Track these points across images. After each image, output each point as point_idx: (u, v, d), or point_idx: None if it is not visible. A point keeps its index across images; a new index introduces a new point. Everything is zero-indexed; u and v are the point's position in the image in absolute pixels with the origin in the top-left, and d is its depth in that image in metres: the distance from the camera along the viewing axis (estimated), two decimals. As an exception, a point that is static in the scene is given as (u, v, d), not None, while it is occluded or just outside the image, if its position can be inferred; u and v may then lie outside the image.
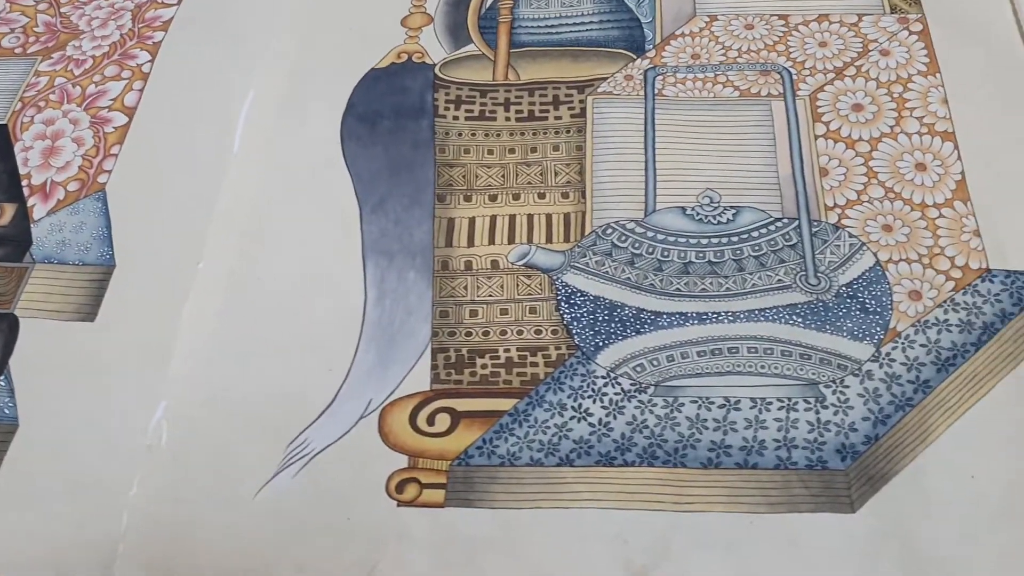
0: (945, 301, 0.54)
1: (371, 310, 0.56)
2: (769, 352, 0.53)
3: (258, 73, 0.67)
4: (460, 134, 0.63)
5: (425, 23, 0.70)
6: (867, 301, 0.54)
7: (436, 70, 0.67)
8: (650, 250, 0.57)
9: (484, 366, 0.54)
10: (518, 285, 0.57)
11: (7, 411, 0.54)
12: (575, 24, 0.69)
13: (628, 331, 0.54)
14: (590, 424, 0.51)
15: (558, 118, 0.64)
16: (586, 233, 0.58)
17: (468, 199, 0.61)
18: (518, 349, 0.54)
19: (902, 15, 0.67)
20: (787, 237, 0.57)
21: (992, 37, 0.65)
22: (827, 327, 0.53)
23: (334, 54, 0.68)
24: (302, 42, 0.69)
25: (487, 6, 0.71)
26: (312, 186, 0.62)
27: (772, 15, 0.68)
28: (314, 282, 0.57)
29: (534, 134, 0.63)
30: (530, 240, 0.58)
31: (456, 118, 0.64)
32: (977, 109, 0.62)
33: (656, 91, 0.64)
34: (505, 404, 0.52)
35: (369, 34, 0.69)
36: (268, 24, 0.70)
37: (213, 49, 0.69)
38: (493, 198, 0.61)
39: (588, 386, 0.52)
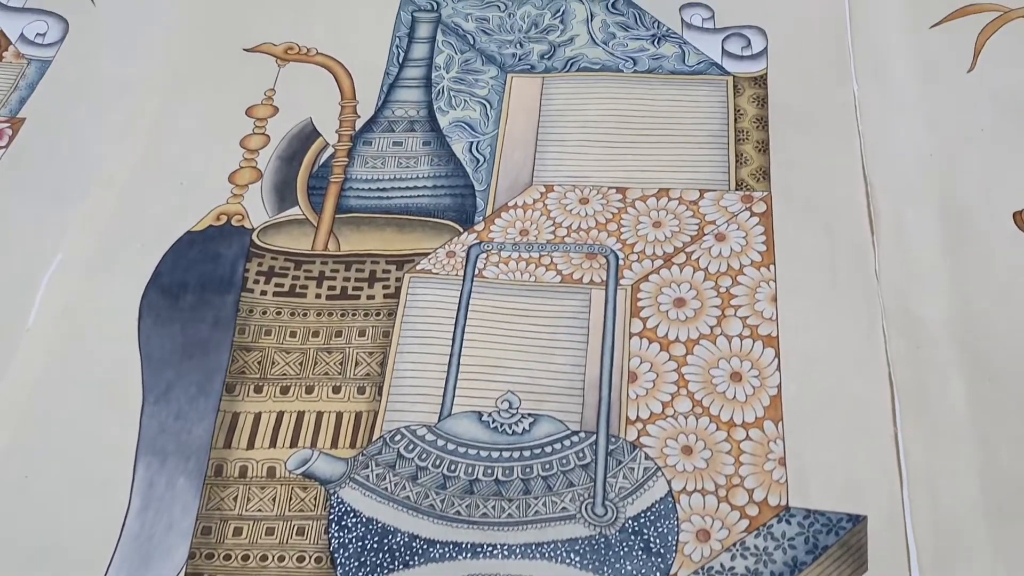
0: (735, 544, 0.50)
1: (132, 522, 0.52)
2: (538, 597, 0.49)
3: (69, 233, 0.64)
4: (265, 312, 0.60)
5: (253, 179, 0.67)
6: (652, 539, 0.50)
7: (254, 235, 0.64)
8: (437, 463, 0.53)
9: (237, 597, 0.50)
10: (291, 498, 0.53)
11: None
12: (408, 188, 0.66)
13: (395, 563, 0.50)
14: (336, 674, 0.47)
15: (371, 297, 0.60)
16: (374, 438, 0.55)
17: (259, 390, 0.57)
18: (277, 578, 0.51)
19: (747, 192, 0.64)
20: (581, 455, 0.53)
21: (839, 224, 0.62)
22: (605, 568, 0.49)
23: (152, 212, 0.65)
24: (121, 196, 0.66)
25: (321, 163, 0.67)
26: (100, 368, 0.58)
27: (611, 187, 0.65)
28: (81, 483, 0.54)
29: (342, 315, 0.60)
30: (315, 443, 0.55)
31: (264, 293, 0.61)
32: (808, 311, 0.58)
33: (476, 271, 0.61)
34: (250, 645, 0.49)
35: (194, 190, 0.66)
36: (88, 175, 0.67)
37: (30, 203, 0.66)
38: (285, 390, 0.57)
39: (342, 627, 0.49)
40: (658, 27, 0.73)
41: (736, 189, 0.64)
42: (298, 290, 0.61)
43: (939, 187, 0.63)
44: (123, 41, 0.75)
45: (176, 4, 0.77)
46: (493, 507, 0.52)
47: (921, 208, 0.62)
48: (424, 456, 0.53)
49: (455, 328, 0.58)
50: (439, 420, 0.55)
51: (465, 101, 0.70)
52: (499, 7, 0.75)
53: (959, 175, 0.63)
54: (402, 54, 0.72)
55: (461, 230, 0.63)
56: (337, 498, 0.52)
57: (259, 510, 0.53)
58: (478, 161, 0.67)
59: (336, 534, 0.51)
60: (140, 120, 0.70)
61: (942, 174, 0.63)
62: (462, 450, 0.54)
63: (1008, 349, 0.56)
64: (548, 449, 0.53)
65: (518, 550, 0.50)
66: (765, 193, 0.63)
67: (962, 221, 0.61)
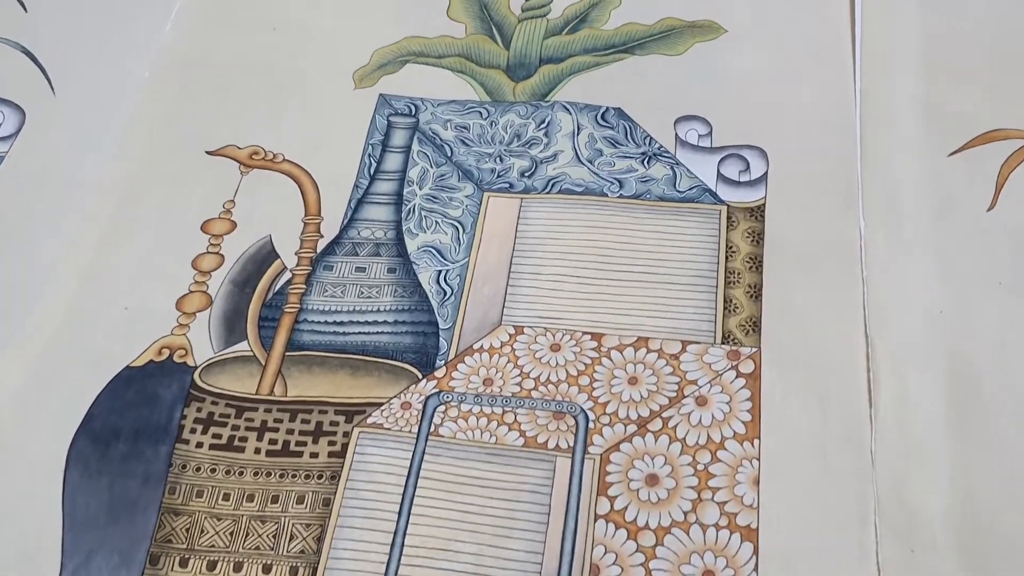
0: None
1: None
2: None
3: (5, 358, 0.60)
4: (199, 468, 0.55)
5: (202, 306, 0.62)
6: None
7: (196, 375, 0.59)
8: (369, 665, 0.48)
9: None
10: None
11: None
12: (367, 324, 0.61)
13: None
14: None
15: (314, 455, 0.55)
16: (304, 631, 0.50)
17: (184, 564, 0.52)
18: None
19: (734, 347, 0.58)
20: (528, 667, 0.48)
21: (835, 392, 0.56)
22: None
23: (93, 339, 0.60)
24: (63, 319, 0.61)
25: (276, 290, 0.62)
26: (16, 525, 0.54)
27: (585, 332, 0.59)
28: (-17, 667, 0.50)
29: (281, 476, 0.55)
30: (238, 634, 0.50)
31: (200, 445, 0.56)
32: (793, 498, 0.52)
33: (432, 427, 0.56)
34: None
35: (139, 316, 0.61)
36: (33, 288, 0.62)
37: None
38: (212, 566, 0.52)
39: None
40: (649, 144, 0.67)
41: (722, 342, 0.58)
42: (236, 443, 0.56)
43: (948, 352, 0.56)
44: (82, 135, 0.70)
45: (140, 95, 0.72)
46: None
47: (926, 377, 0.55)
48: (356, 656, 0.48)
49: (403, 499, 0.53)
50: (376, 611, 0.50)
51: (437, 223, 0.65)
52: (481, 114, 0.69)
53: (972, 339, 0.57)
54: (374, 164, 0.67)
55: (420, 376, 0.58)
56: None
57: None
58: (445, 294, 0.62)
59: None
60: (92, 228, 0.65)
61: (953, 337, 0.57)
62: (398, 652, 0.49)
63: (1017, 556, 0.50)
64: (492, 656, 0.48)
65: None
66: (754, 350, 0.57)
67: (971, 394, 0.55)
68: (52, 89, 0.73)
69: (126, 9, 0.76)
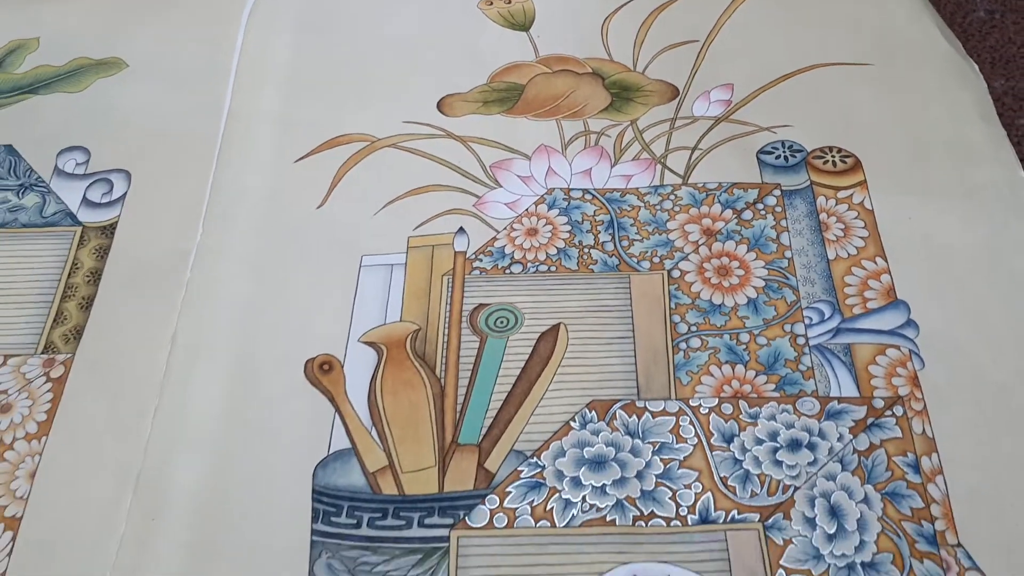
0: None
1: None
2: None
3: None
4: None
5: None
6: None
7: None
8: None
9: None
10: None
11: None
12: None
13: None
14: None
15: None
16: None
17: None
18: None
19: (51, 356, 0.63)
20: None
21: (131, 387, 0.61)
22: None
23: None
24: None
25: None
26: None
27: (-82, 359, 0.63)
28: None
29: None
30: None
31: None
32: (60, 488, 0.57)
33: None
34: None
35: None
36: None
37: None
38: None
39: None
40: (29, 176, 0.72)
41: (43, 352, 0.63)
42: None
43: (236, 347, 0.63)
44: None
45: None
46: None
47: (213, 370, 0.61)
48: None
49: None
50: None
51: None
52: None
53: (251, 328, 0.64)
54: None
55: None
56: None
57: None
58: None
59: None
60: None
61: (248, 330, 0.64)
62: None
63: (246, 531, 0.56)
64: None
65: None
66: (69, 356, 0.63)
67: (250, 385, 0.61)
68: None
69: None
